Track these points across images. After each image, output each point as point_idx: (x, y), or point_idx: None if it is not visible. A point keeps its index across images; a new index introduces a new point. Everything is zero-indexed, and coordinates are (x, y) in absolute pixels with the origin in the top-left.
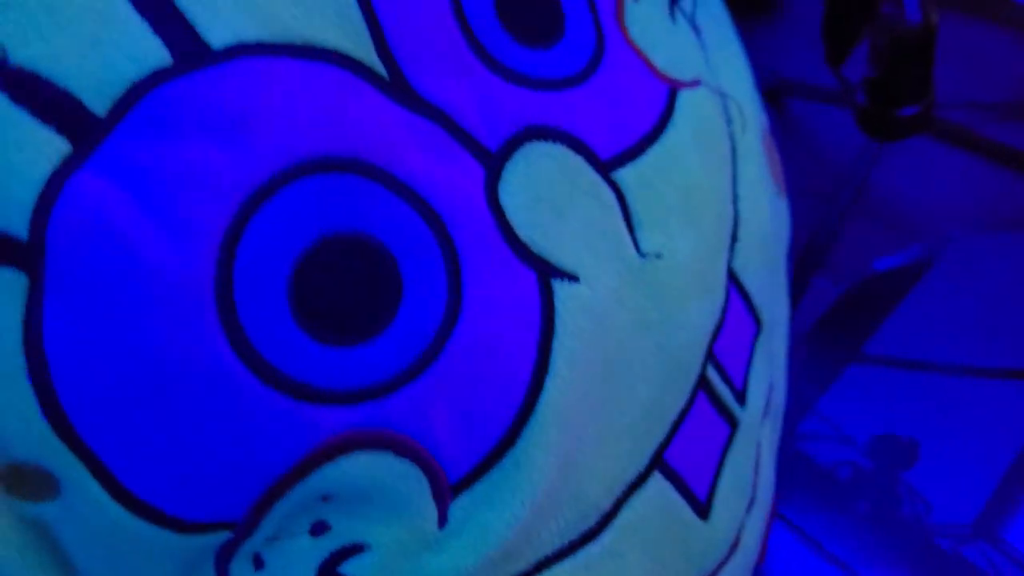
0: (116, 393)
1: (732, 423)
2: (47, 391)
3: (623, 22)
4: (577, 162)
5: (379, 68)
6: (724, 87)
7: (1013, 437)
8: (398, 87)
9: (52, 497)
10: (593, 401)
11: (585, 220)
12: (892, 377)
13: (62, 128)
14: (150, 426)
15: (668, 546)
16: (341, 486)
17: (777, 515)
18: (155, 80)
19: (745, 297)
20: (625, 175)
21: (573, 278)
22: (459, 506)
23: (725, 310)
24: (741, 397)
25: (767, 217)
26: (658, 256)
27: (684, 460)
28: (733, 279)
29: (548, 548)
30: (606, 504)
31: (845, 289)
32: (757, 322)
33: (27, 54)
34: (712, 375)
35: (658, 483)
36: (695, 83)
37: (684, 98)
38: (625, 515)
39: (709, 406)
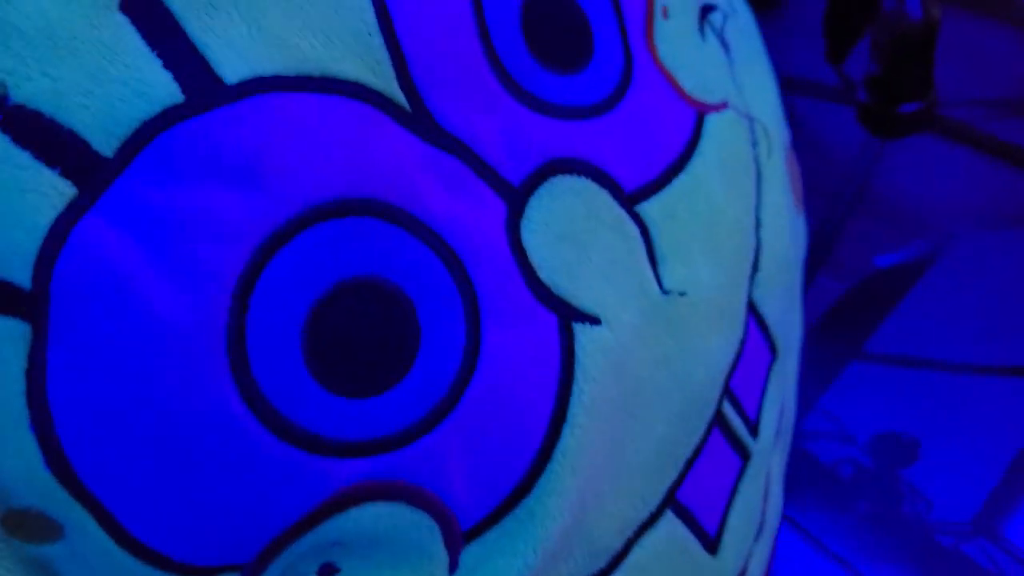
0: (122, 443)
1: (744, 456)
2: (50, 441)
3: (652, 41)
4: (602, 196)
5: (400, 99)
6: (750, 105)
7: (1014, 435)
8: (419, 119)
9: (55, 539)
10: (610, 444)
11: (608, 257)
12: (893, 375)
13: (67, 171)
14: (157, 476)
15: None
16: (352, 534)
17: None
18: (166, 119)
19: (763, 327)
20: (649, 208)
21: (595, 320)
22: (471, 553)
23: (743, 342)
24: (754, 429)
25: (788, 243)
26: (681, 293)
27: (696, 497)
28: (752, 310)
29: None
30: (617, 545)
31: (847, 286)
32: (773, 351)
33: (30, 91)
34: (728, 410)
35: (669, 522)
36: (722, 105)
37: (711, 123)
38: (635, 555)
39: (723, 441)
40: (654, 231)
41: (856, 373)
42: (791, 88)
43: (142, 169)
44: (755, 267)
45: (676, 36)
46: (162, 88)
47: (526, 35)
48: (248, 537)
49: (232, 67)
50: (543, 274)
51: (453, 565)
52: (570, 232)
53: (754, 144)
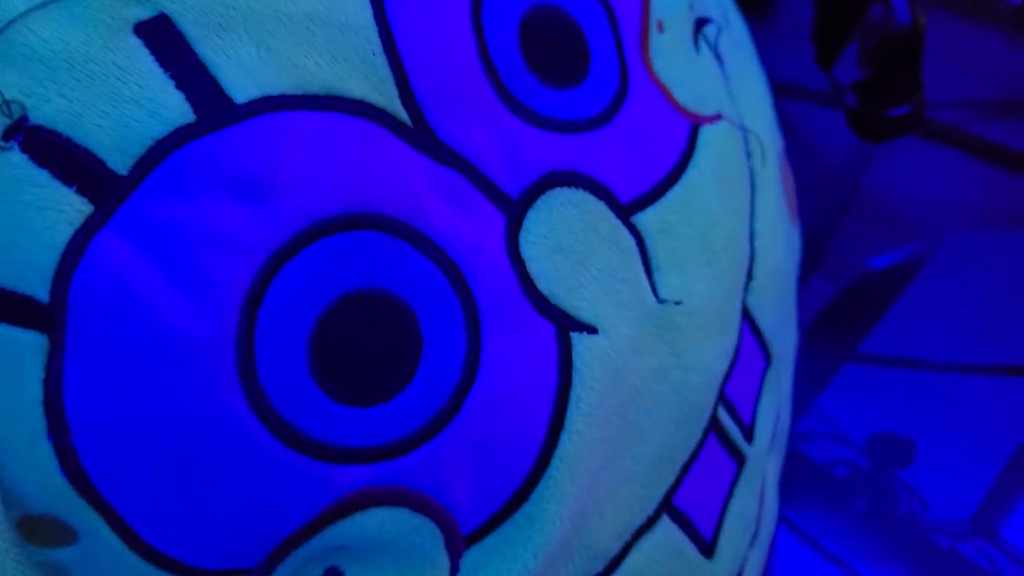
0: (135, 451)
1: (740, 460)
2: (66, 449)
3: (647, 55)
4: (598, 208)
5: (403, 116)
6: (744, 117)
7: (1009, 434)
8: (421, 135)
9: (69, 544)
10: (607, 450)
11: (605, 268)
12: (888, 375)
13: (83, 188)
14: (169, 483)
15: None
16: (356, 539)
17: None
18: (178, 138)
19: (757, 334)
20: (645, 219)
21: (592, 330)
22: (471, 557)
23: (738, 349)
24: (749, 434)
25: (782, 253)
26: (677, 303)
27: (692, 502)
28: (747, 317)
29: None
30: (615, 548)
31: (841, 288)
32: (768, 357)
33: (48, 111)
34: (723, 415)
35: (665, 526)
36: (717, 117)
37: (705, 135)
38: (633, 558)
39: (719, 446)
40: (650, 242)
41: (851, 374)
42: (782, 93)
43: (155, 186)
44: (749, 275)
45: (671, 50)
46: (174, 108)
47: (524, 52)
48: (256, 541)
49: (241, 87)
50: (541, 284)
51: (454, 569)
52: (568, 243)
53: (748, 155)
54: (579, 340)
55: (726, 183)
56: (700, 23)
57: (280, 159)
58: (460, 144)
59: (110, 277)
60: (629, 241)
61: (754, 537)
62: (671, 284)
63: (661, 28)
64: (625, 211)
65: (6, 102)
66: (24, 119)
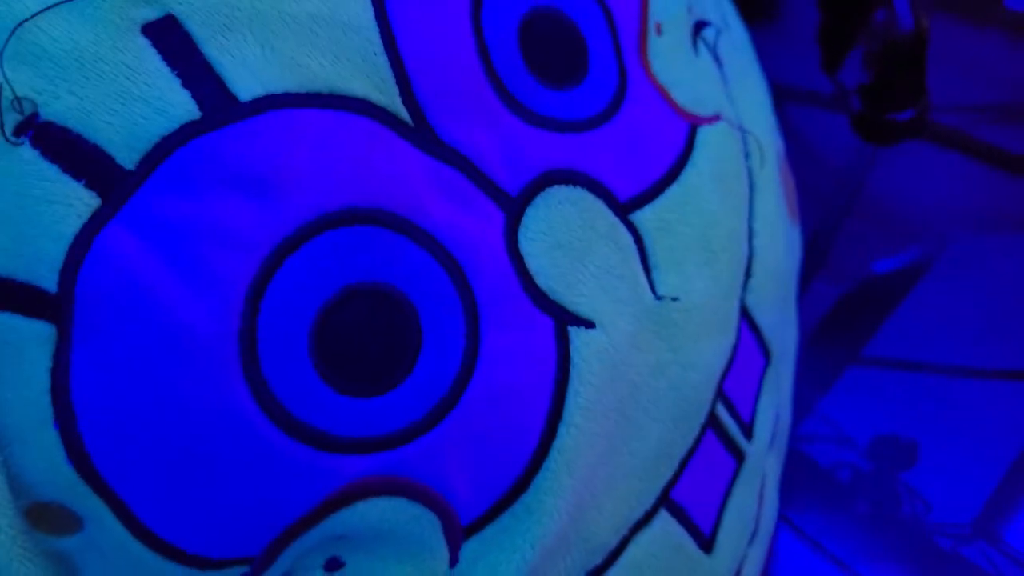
0: (140, 440)
1: (739, 457)
2: (73, 438)
3: (646, 56)
4: (596, 205)
5: (403, 114)
6: (743, 118)
7: (1013, 437)
8: (422, 133)
9: (74, 532)
10: (605, 444)
11: (603, 265)
12: (891, 378)
13: (92, 183)
14: (173, 472)
15: None
16: (357, 528)
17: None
18: (183, 134)
19: (756, 332)
20: (643, 217)
21: (590, 325)
22: (470, 547)
23: (736, 347)
24: (748, 431)
25: (782, 252)
26: (674, 299)
27: (690, 497)
28: (745, 315)
29: None
30: (613, 542)
31: (844, 291)
32: (767, 355)
33: (58, 108)
34: (721, 412)
35: (664, 520)
36: (715, 118)
37: (703, 135)
38: (631, 552)
39: (717, 442)
40: (648, 239)
41: (854, 377)
42: (786, 96)
43: (161, 181)
44: (748, 274)
45: (669, 52)
46: (180, 106)
47: (524, 52)
48: (258, 530)
49: (246, 85)
50: (540, 280)
51: (453, 560)
52: (566, 240)
53: (747, 155)
54: (577, 335)
55: (724, 183)
56: (699, 26)
57: (283, 156)
58: (460, 143)
59: (116, 269)
60: (627, 239)
61: (753, 535)
62: (669, 282)
63: (659, 30)
64: (623, 209)
65: (18, 99)
66: (35, 116)
